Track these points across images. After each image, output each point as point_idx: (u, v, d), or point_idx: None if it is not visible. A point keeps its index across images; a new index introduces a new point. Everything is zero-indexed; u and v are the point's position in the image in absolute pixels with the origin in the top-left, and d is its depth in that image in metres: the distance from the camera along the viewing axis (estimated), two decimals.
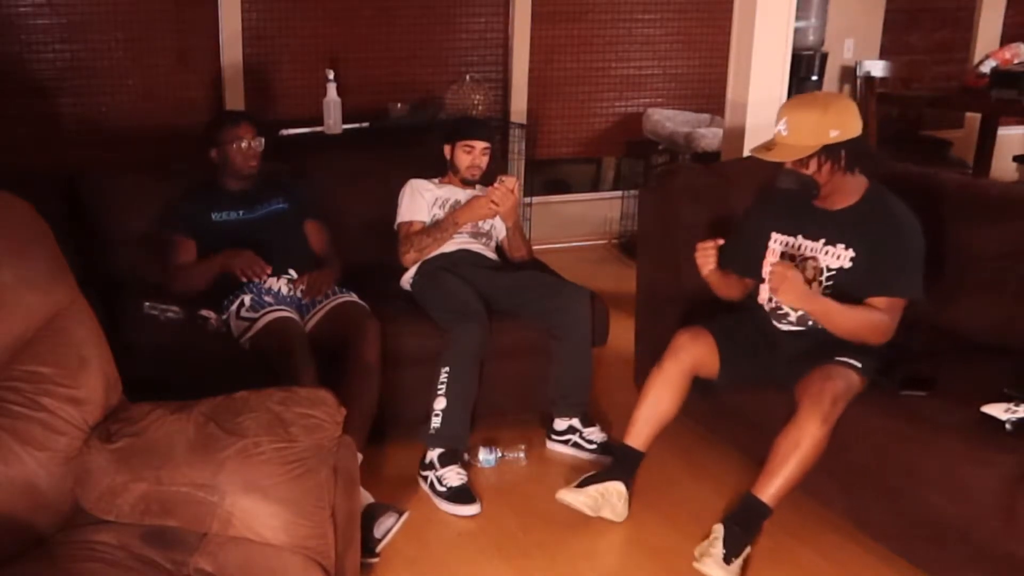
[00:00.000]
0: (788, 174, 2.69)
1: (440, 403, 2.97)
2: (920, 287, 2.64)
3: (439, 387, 2.98)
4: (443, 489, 2.91)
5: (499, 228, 3.51)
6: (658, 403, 2.82)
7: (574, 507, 2.78)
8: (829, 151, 2.62)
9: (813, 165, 2.64)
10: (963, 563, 2.37)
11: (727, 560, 2.51)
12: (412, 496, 2.95)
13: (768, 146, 2.69)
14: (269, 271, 3.11)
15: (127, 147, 4.54)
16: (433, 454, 2.97)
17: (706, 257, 2.86)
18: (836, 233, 2.71)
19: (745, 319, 2.91)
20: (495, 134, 3.60)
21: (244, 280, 3.08)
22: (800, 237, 2.78)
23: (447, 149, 3.46)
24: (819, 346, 2.69)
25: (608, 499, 2.78)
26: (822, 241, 2.73)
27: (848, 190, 2.70)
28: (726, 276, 2.93)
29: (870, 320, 2.62)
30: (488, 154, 3.44)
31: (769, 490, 2.55)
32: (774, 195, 2.81)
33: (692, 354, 2.81)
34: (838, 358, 2.61)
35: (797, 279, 2.59)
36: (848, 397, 2.55)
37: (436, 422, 2.97)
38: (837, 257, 2.70)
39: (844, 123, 2.62)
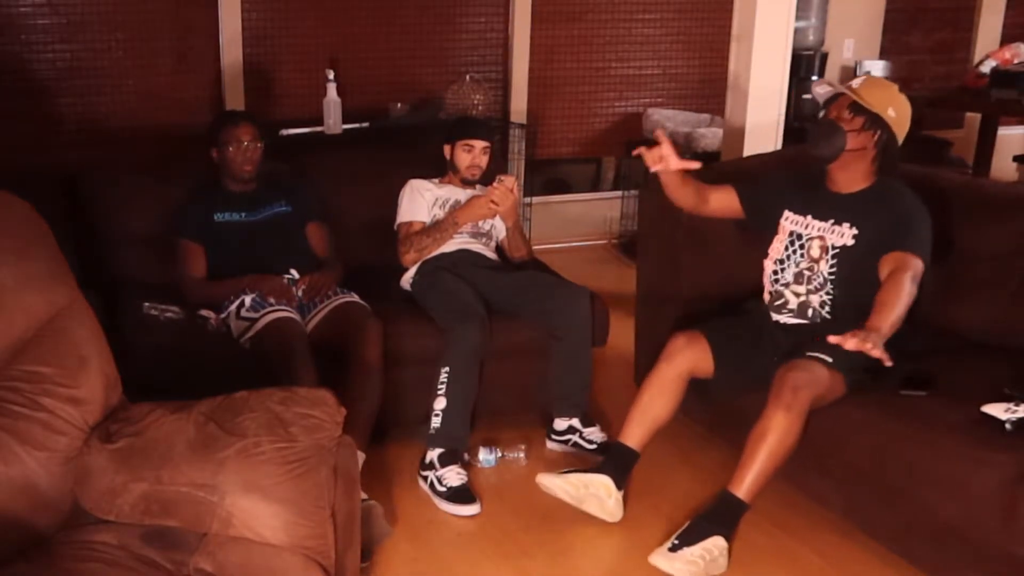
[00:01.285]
0: (824, 123, 2.77)
1: (440, 403, 2.97)
2: (928, 254, 2.68)
3: (439, 387, 2.98)
4: (443, 489, 2.91)
5: (499, 228, 3.51)
6: (652, 405, 2.83)
7: (553, 493, 2.78)
8: (876, 122, 2.72)
9: (857, 123, 2.73)
10: (963, 563, 2.37)
11: (673, 548, 2.52)
12: (412, 496, 2.96)
13: (835, 87, 2.80)
14: (296, 303, 3.12)
15: (127, 147, 4.54)
16: (433, 454, 2.97)
17: (654, 158, 2.79)
18: (843, 213, 2.80)
19: (743, 319, 2.94)
20: (495, 133, 3.60)
21: (272, 302, 3.08)
22: (809, 217, 2.86)
23: (447, 149, 3.46)
24: (801, 343, 2.73)
25: (593, 492, 2.76)
26: (831, 221, 2.81)
27: (859, 176, 2.80)
28: (684, 183, 2.91)
29: (898, 293, 2.53)
30: (488, 153, 3.44)
31: (743, 485, 2.56)
32: (796, 173, 2.90)
33: (688, 357, 2.82)
34: (809, 353, 2.65)
35: (863, 341, 2.38)
36: (813, 388, 2.56)
37: (436, 422, 2.97)
38: (841, 236, 2.78)
39: (902, 114, 2.76)
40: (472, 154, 3.41)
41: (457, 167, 3.44)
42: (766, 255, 2.95)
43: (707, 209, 3.01)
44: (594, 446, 3.17)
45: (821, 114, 2.83)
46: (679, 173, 2.87)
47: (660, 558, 2.53)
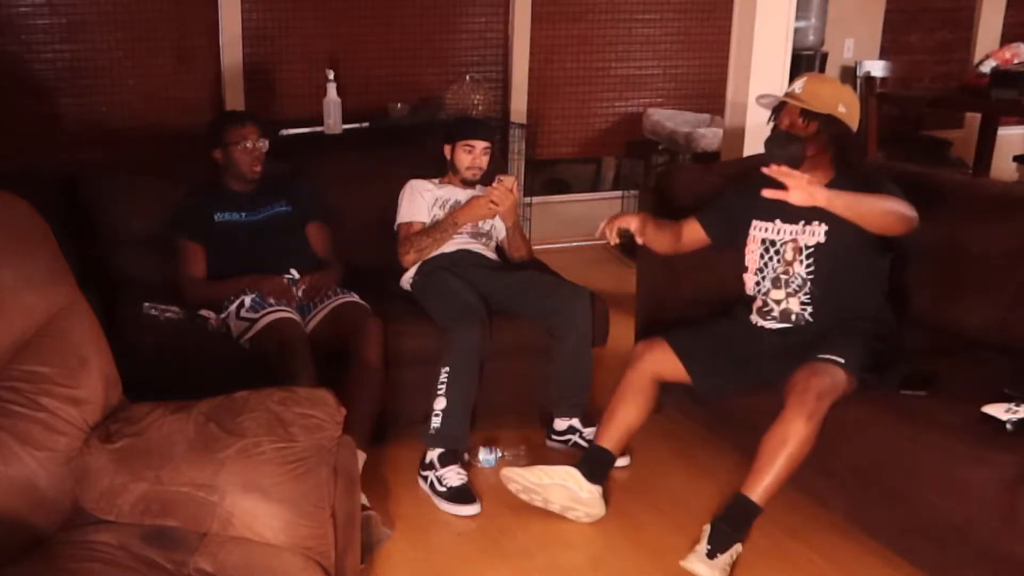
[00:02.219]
0: (780, 135, 2.74)
1: (440, 403, 2.97)
2: (905, 198, 2.64)
3: (439, 387, 2.98)
4: (443, 489, 2.91)
5: (499, 228, 3.51)
6: (619, 410, 2.86)
7: (513, 482, 2.79)
8: (831, 123, 2.71)
9: (812, 128, 2.72)
10: (963, 563, 2.37)
11: (711, 555, 2.51)
12: (412, 496, 2.95)
13: (779, 97, 2.78)
14: (296, 303, 3.12)
15: (127, 147, 4.54)
16: (433, 454, 2.97)
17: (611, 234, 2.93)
18: (811, 212, 2.74)
19: (719, 323, 2.94)
20: (495, 134, 3.60)
21: (272, 302, 3.07)
22: (778, 221, 2.85)
23: (447, 149, 3.46)
24: (803, 343, 2.72)
25: (559, 480, 2.77)
26: (801, 222, 2.80)
27: (819, 174, 2.75)
28: (659, 231, 3.00)
29: (891, 204, 2.59)
30: (488, 154, 3.44)
31: (758, 489, 2.55)
32: (753, 181, 2.85)
33: (649, 362, 2.86)
34: (821, 355, 2.63)
35: (810, 185, 2.52)
36: (834, 394, 2.55)
37: (436, 422, 2.97)
38: (813, 234, 2.78)
39: (852, 107, 2.75)
40: (472, 154, 3.40)
41: (457, 167, 3.43)
42: (745, 269, 2.93)
43: (682, 247, 3.06)
44: None
45: (770, 123, 2.81)
46: (653, 227, 2.96)
47: (700, 565, 2.51)
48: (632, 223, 2.90)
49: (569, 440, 3.22)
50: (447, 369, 2.98)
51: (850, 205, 2.56)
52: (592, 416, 3.24)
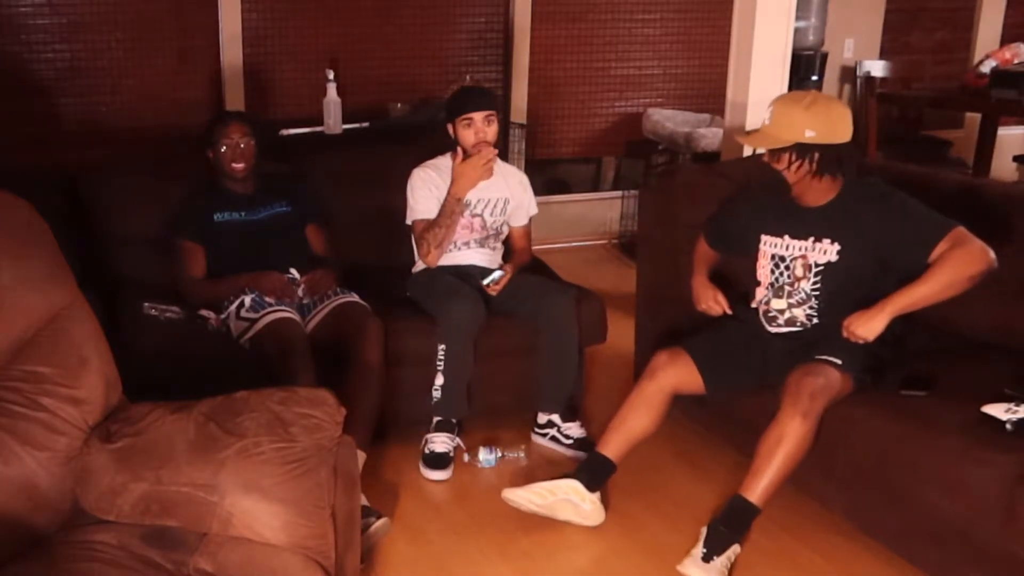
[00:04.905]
0: (763, 168, 2.76)
1: (439, 379, 3.06)
2: (949, 218, 2.60)
3: (437, 363, 3.05)
4: (427, 453, 3.04)
5: (511, 217, 3.45)
6: (631, 420, 2.81)
7: (520, 506, 2.77)
8: (800, 150, 2.63)
9: (784, 161, 2.66)
10: (963, 563, 2.37)
11: (706, 559, 2.51)
12: (412, 496, 2.96)
13: (751, 132, 2.76)
14: (296, 301, 3.13)
15: (127, 147, 4.55)
16: (433, 422, 3.10)
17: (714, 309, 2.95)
18: (821, 229, 2.74)
19: (732, 329, 2.92)
20: (495, 100, 3.39)
21: (271, 301, 3.08)
22: (787, 237, 2.81)
23: (450, 128, 3.30)
24: (804, 345, 2.71)
25: (563, 496, 2.75)
26: (811, 239, 2.76)
27: (822, 189, 2.71)
28: (708, 272, 3.06)
29: (951, 264, 2.53)
30: (493, 122, 3.23)
31: (756, 490, 2.55)
32: (760, 193, 2.87)
33: (670, 374, 2.80)
34: (818, 356, 2.63)
35: (865, 318, 2.57)
36: (828, 393, 2.55)
37: (436, 395, 3.07)
38: (824, 252, 2.73)
39: (824, 127, 2.62)
40: (473, 128, 3.21)
41: (463, 145, 3.25)
42: (758, 284, 2.90)
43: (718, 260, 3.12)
44: (571, 441, 3.20)
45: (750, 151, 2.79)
46: (707, 280, 3.01)
47: (695, 568, 2.50)
48: (712, 305, 2.93)
49: (547, 434, 3.25)
50: (443, 347, 3.03)
51: (917, 302, 2.57)
52: (576, 412, 3.28)
